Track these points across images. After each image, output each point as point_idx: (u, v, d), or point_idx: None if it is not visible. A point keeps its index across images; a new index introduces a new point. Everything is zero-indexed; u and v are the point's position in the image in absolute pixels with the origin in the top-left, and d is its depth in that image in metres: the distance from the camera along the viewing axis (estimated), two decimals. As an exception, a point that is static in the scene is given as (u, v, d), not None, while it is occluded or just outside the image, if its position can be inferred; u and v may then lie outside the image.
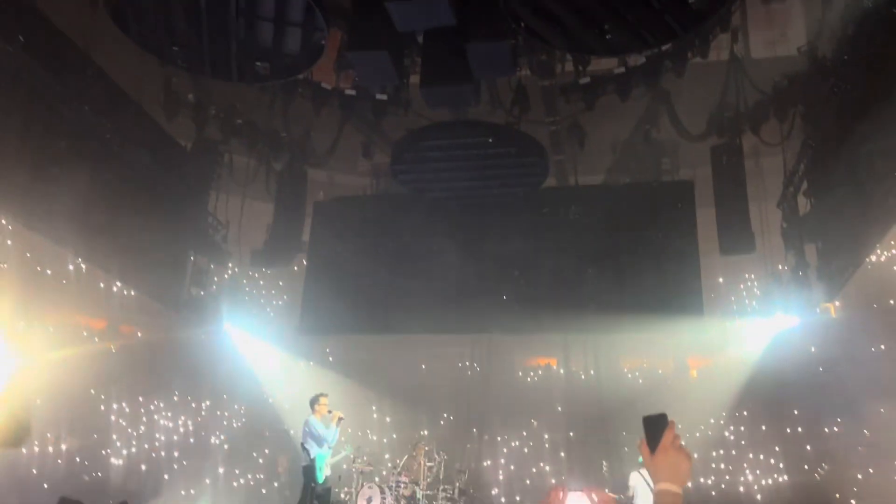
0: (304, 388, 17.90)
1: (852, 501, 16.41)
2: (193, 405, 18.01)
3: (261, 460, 18.13)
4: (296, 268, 15.55)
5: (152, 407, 17.20)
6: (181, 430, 17.63)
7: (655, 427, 2.00)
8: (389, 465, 12.22)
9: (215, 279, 15.39)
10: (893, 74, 6.82)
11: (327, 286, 12.17)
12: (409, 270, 11.89)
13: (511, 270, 11.91)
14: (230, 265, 14.19)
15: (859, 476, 16.88)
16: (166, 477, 16.35)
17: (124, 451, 15.90)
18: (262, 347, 16.47)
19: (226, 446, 17.59)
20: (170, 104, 11.33)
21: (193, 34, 8.11)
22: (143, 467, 16.19)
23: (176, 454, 16.96)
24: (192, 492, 16.05)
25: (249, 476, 17.61)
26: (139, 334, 16.65)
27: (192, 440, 17.61)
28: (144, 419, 16.93)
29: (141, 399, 16.72)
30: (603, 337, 17.36)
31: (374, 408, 18.96)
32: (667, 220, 11.54)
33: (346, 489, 11.93)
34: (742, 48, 10.43)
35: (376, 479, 12.36)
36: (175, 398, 17.63)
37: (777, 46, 11.41)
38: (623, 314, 11.23)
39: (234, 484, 17.28)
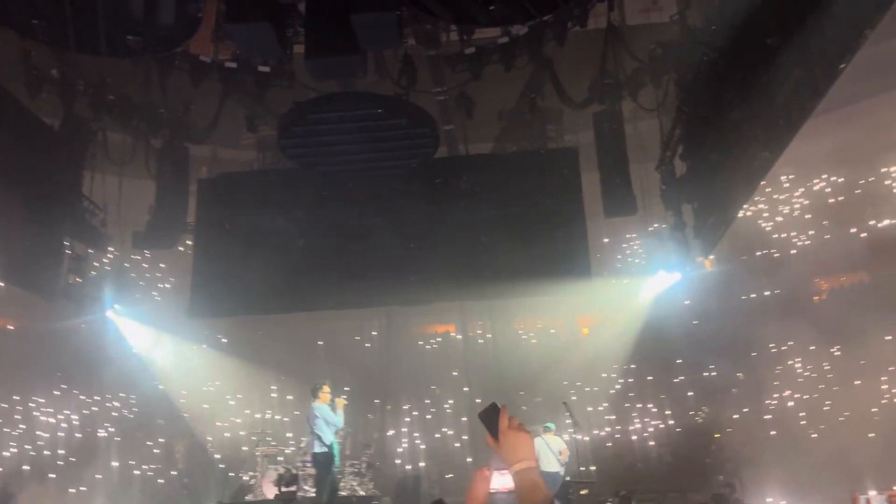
0: (199, 373, 17.44)
1: (729, 441, 17.77)
2: (80, 398, 17.10)
3: (156, 450, 17.49)
4: (182, 248, 14.94)
5: (31, 404, 16.18)
6: (65, 425, 16.71)
7: (490, 418, 2.11)
8: (294, 445, 12.09)
9: (95, 265, 14.56)
10: (758, 43, 7.26)
11: (216, 267, 11.74)
12: (303, 246, 11.67)
13: (407, 242, 11.92)
14: (110, 249, 13.44)
15: (735, 416, 18.31)
16: (52, 476, 15.49)
17: (3, 454, 14.91)
18: (150, 333, 15.80)
19: (117, 438, 16.83)
20: (31, 80, 10.49)
21: (56, 6, 7.49)
22: (26, 468, 15.26)
23: (62, 452, 16.08)
24: (83, 489, 15.29)
25: (145, 467, 16.96)
26: (10, 327, 15.56)
27: (78, 435, 16.73)
28: (22, 417, 15.92)
29: (17, 397, 15.69)
30: (498, 302, 17.77)
31: (273, 387, 18.64)
32: (554, 186, 11.87)
33: (250, 473, 11.73)
34: (618, 17, 10.77)
35: (280, 459, 12.22)
36: (57, 393, 16.66)
37: (651, 14, 11.90)
38: (516, 279, 11.53)
39: (131, 476, 16.60)
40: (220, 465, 16.88)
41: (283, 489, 8.26)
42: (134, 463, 16.81)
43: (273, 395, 18.81)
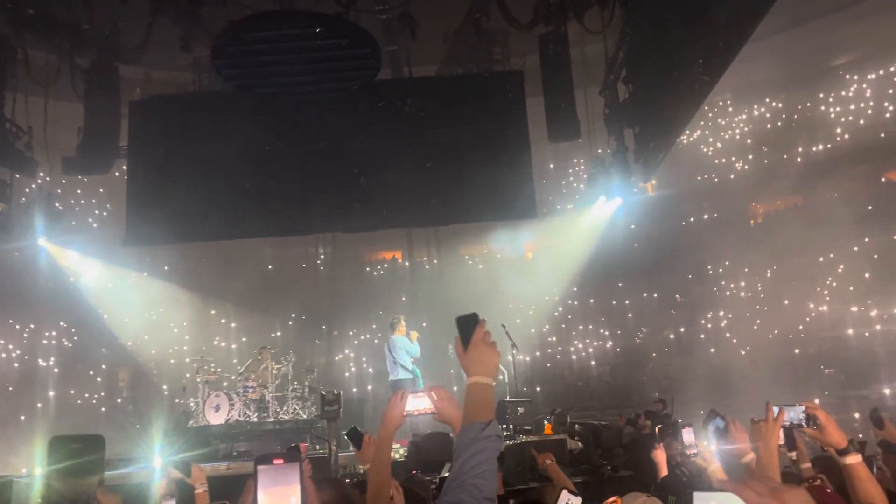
0: (141, 301, 17.17)
1: (665, 360, 18.54)
2: (16, 328, 16.71)
3: (99, 378, 17.34)
4: (117, 174, 14.43)
5: (-35, 335, 15.79)
6: (3, 355, 16.39)
7: (468, 326, 2.08)
8: (238, 370, 12.11)
9: (26, 191, 13.99)
10: (700, -36, 7.19)
11: (152, 193, 11.35)
12: (243, 172, 11.33)
13: (351, 167, 11.69)
14: (40, 174, 12.88)
15: (671, 336, 19.07)
16: (-9, 407, 15.28)
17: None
18: (88, 262, 15.39)
19: (56, 369, 16.60)
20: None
21: None
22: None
23: None
24: (23, 418, 15.13)
25: (87, 395, 16.84)
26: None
27: (16, 365, 16.44)
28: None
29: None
30: (444, 228, 17.83)
31: (213, 312, 18.52)
32: (499, 109, 11.71)
33: (192, 399, 11.74)
34: (564, -65, 10.50)
35: (224, 384, 12.24)
36: (-10, 324, 16.26)
37: (597, -66, 11.61)
38: (462, 205, 11.51)
39: (73, 405, 16.48)
40: (165, 392, 16.87)
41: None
42: (75, 392, 16.67)
43: (218, 322, 18.71)
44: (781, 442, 2.84)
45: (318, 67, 9.93)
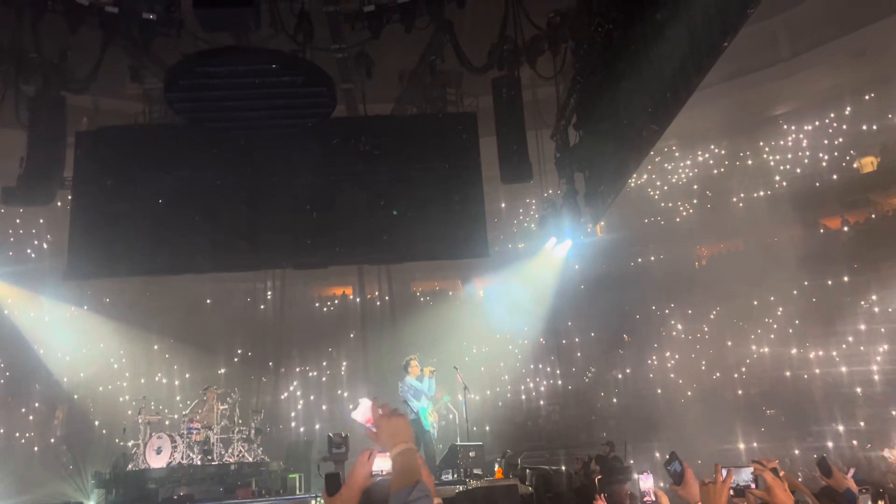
0: (80, 336, 16.55)
1: (613, 399, 18.72)
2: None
3: (31, 417, 16.56)
4: (59, 204, 14.00)
5: None
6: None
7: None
8: (183, 410, 11.71)
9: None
10: (649, 16, 7.45)
11: (97, 225, 11.03)
12: (192, 206, 11.13)
13: (303, 203, 11.61)
14: (-23, 204, 12.43)
15: (619, 376, 19.26)
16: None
17: None
18: (25, 295, 14.83)
19: (-14, 406, 15.84)
20: None
21: None
22: None
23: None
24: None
25: (18, 434, 16.04)
26: None
27: (-56, 402, 15.63)
28: None
29: None
30: (396, 265, 17.78)
31: (154, 348, 17.96)
32: (453, 150, 11.82)
33: (132, 440, 11.28)
34: (519, -18, 10.77)
35: (167, 423, 11.82)
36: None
37: (551, -19, 11.96)
38: (414, 243, 11.51)
39: (4, 443, 15.68)
40: (103, 432, 16.19)
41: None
42: (5, 430, 15.89)
43: (161, 358, 18.14)
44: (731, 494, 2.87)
45: (272, 103, 9.88)
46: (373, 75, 11.52)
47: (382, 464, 2.60)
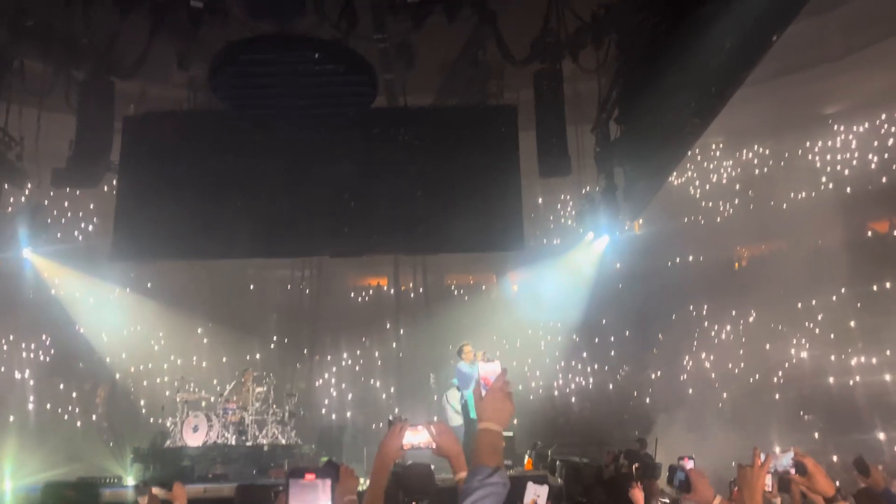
0: (122, 317, 16.99)
1: (646, 399, 18.53)
2: (-6, 339, 16.46)
3: (74, 393, 17.05)
4: (106, 188, 14.36)
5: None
6: (-23, 366, 16.11)
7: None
8: (218, 391, 11.96)
9: (11, 200, 13.87)
10: (695, 12, 7.33)
11: (140, 209, 11.27)
12: (233, 192, 11.29)
13: (341, 192, 11.70)
14: (28, 185, 12.79)
15: (653, 375, 19.05)
16: (-37, 417, 14.97)
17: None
18: (72, 275, 15.25)
19: (32, 382, 16.32)
20: (-60, 0, 9.74)
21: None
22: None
23: (-27, 392, 15.53)
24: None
25: (60, 410, 16.53)
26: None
27: (-9, 376, 16.16)
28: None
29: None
30: (431, 257, 17.84)
31: (195, 332, 18.33)
32: (491, 142, 11.78)
33: (170, 419, 11.55)
34: (564, -26, 10.68)
35: (203, 405, 12.07)
36: (-30, 332, 16.01)
37: (596, -25, 11.83)
38: (449, 235, 11.52)
39: (47, 420, 16.16)
40: (143, 411, 16.62)
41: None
42: (50, 406, 16.38)
43: (200, 341, 18.52)
44: (768, 488, 2.83)
45: (314, 92, 9.97)
46: (414, 66, 11.55)
47: (413, 437, 2.63)
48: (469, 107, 12.91)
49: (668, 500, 3.82)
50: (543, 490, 3.12)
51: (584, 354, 19.87)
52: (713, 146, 21.02)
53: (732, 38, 6.65)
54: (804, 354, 17.64)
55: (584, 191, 13.69)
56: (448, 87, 13.97)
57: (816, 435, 15.69)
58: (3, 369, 16.31)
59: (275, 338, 19.56)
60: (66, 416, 16.63)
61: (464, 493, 1.97)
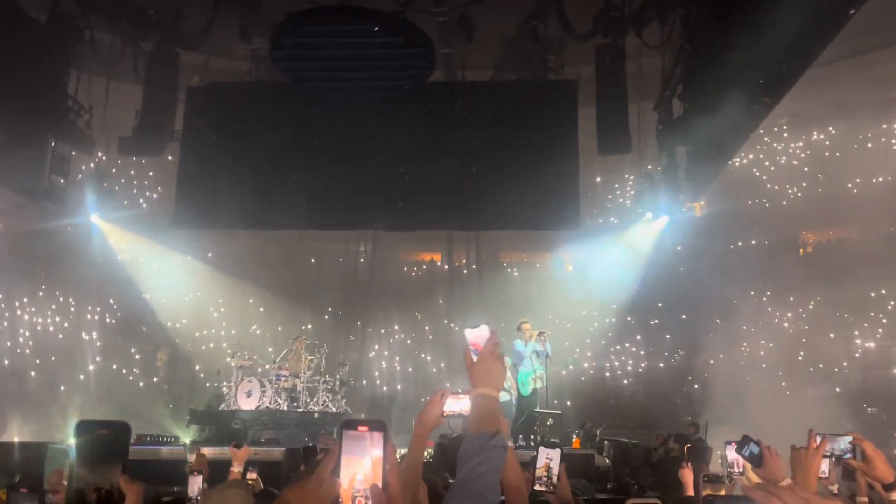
0: (182, 283, 17.52)
1: (701, 385, 18.15)
2: (60, 301, 17.17)
3: (138, 356, 17.71)
4: (170, 157, 14.74)
5: (16, 303, 16.28)
6: (49, 327, 16.86)
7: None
8: (272, 358, 12.24)
9: (83, 168, 14.37)
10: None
11: (201, 178, 11.55)
12: (291, 163, 11.46)
13: (397, 166, 11.72)
14: (96, 153, 13.24)
15: (710, 361, 18.63)
16: (32, 374, 15.72)
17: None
18: (136, 241, 15.77)
19: (98, 343, 17.01)
20: (16, -30, 10.07)
21: None
22: (6, 362, 15.48)
23: (43, 350, 16.27)
24: (63, 388, 15.54)
25: (125, 371, 17.21)
26: (-1, 227, 15.49)
27: (61, 336, 16.90)
28: (7, 315, 16.04)
29: (0, 295, 15.77)
30: (484, 233, 17.77)
31: (251, 301, 18.78)
32: (550, 118, 11.60)
33: (225, 383, 11.90)
34: (630, -52, 10.38)
35: (258, 370, 12.38)
36: (40, 294, 16.73)
37: (664, -52, 11.44)
38: (504, 212, 11.44)
39: (110, 380, 16.86)
40: (200, 375, 17.16)
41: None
42: (115, 367, 17.06)
43: (256, 310, 18.97)
44: (824, 474, 2.72)
45: (372, 65, 9.98)
46: (473, 40, 11.42)
47: (455, 405, 2.61)
48: (527, 81, 12.72)
49: (736, 471, 3.71)
50: (556, 454, 3.12)
51: (638, 337, 19.56)
52: (779, 128, 20.23)
53: (805, 12, 6.33)
54: (870, 345, 16.98)
55: (644, 170, 13.37)
56: (507, 62, 13.79)
57: (879, 428, 15.13)
58: (71, 330, 17.04)
59: (329, 309, 19.88)
60: (130, 377, 17.32)
61: (463, 458, 1.93)
